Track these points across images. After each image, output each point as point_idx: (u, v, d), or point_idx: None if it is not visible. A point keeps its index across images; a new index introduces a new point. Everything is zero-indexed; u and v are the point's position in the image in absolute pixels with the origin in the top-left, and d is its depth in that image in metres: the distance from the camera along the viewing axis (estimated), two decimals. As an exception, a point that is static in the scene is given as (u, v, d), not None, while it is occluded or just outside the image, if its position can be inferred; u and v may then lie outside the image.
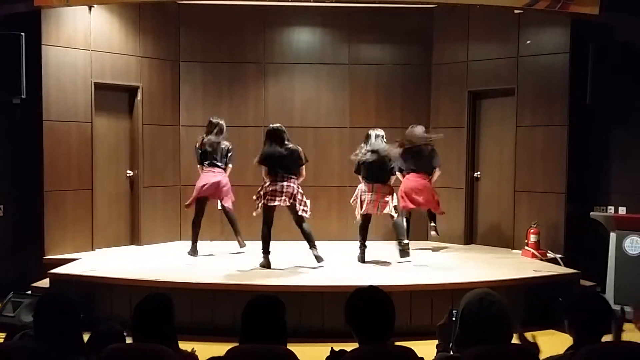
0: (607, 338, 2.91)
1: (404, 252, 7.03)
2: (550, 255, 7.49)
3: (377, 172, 7.00)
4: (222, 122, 7.57)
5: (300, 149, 6.84)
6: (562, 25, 7.62)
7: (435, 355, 2.93)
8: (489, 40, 8.32)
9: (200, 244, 8.38)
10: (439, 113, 8.73)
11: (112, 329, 3.50)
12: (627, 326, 3.04)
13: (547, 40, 7.86)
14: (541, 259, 7.41)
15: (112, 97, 8.09)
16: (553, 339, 5.79)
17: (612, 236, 6.84)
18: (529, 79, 7.96)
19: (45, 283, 6.65)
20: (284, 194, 6.66)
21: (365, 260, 7.15)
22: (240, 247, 7.71)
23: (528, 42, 7.93)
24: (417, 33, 8.76)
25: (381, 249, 7.70)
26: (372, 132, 7.14)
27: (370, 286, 2.86)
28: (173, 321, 2.99)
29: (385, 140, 7.11)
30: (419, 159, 7.67)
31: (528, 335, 2.96)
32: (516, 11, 7.36)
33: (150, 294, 3.02)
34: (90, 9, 7.62)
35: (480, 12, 7.96)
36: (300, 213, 6.73)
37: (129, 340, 3.07)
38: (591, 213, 7.20)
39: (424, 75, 8.78)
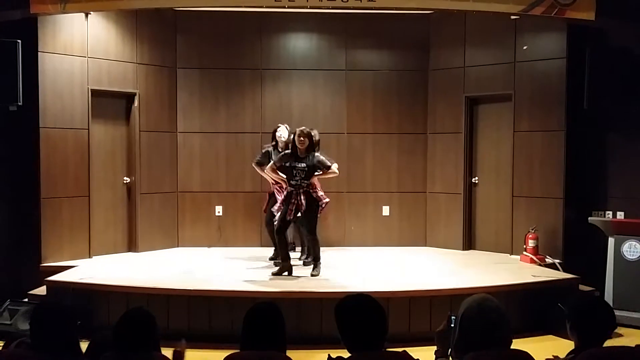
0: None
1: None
2: (548, 260, 7.49)
3: None
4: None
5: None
6: (558, 30, 7.64)
7: (434, 361, 2.92)
8: (485, 45, 8.33)
9: (198, 250, 8.42)
10: (436, 119, 8.73)
11: (108, 337, 3.48)
12: (627, 331, 3.03)
13: (543, 45, 7.88)
14: (540, 264, 7.40)
15: (109, 103, 8.08)
16: (552, 345, 5.79)
17: (611, 241, 6.83)
18: (526, 85, 7.97)
19: (42, 291, 6.61)
20: None
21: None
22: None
23: (525, 47, 7.95)
24: (414, 39, 8.77)
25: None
26: None
27: (359, 294, 2.84)
28: (157, 335, 2.95)
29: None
30: None
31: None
32: (513, 17, 7.36)
33: (129, 311, 2.99)
34: (86, 16, 7.61)
35: (477, 18, 7.96)
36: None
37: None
38: (589, 218, 7.20)
39: (421, 80, 8.78)
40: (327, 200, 6.78)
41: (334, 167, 6.74)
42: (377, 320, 2.72)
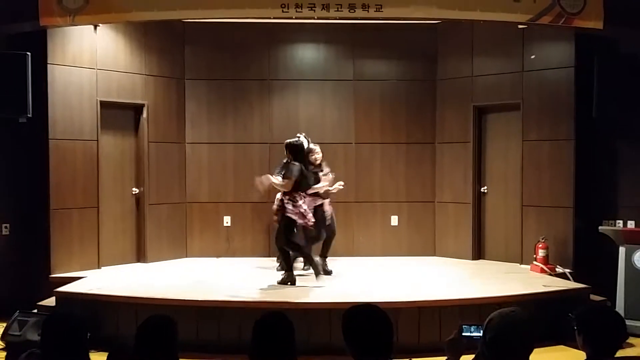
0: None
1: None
2: (559, 270, 7.44)
3: None
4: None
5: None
6: (566, 39, 7.63)
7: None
8: (493, 55, 8.33)
9: (206, 260, 8.42)
10: (444, 128, 8.72)
11: (125, 346, 3.46)
12: (639, 341, 3.00)
13: (551, 54, 7.86)
14: (550, 274, 7.35)
15: (118, 115, 8.11)
16: (563, 355, 5.74)
17: (621, 250, 6.78)
18: (534, 94, 7.95)
19: (51, 301, 6.62)
20: None
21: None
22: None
23: (532, 56, 7.93)
24: (421, 49, 8.78)
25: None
26: None
27: (365, 304, 2.83)
28: (176, 343, 2.94)
29: None
30: None
31: None
32: (520, 26, 7.36)
33: (152, 316, 2.98)
34: (95, 28, 7.65)
35: (484, 27, 7.96)
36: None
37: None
38: (600, 227, 7.15)
39: (429, 90, 8.78)
40: (296, 217, 6.69)
41: (278, 179, 6.72)
42: (383, 331, 2.70)
